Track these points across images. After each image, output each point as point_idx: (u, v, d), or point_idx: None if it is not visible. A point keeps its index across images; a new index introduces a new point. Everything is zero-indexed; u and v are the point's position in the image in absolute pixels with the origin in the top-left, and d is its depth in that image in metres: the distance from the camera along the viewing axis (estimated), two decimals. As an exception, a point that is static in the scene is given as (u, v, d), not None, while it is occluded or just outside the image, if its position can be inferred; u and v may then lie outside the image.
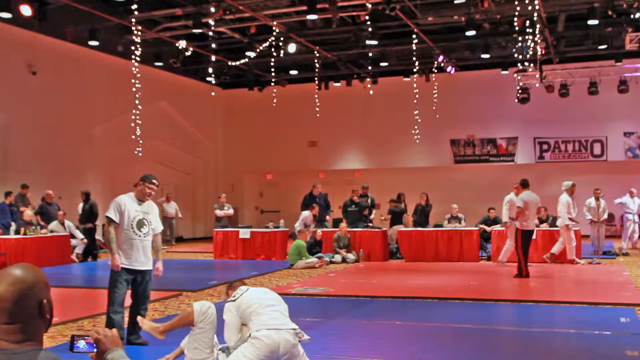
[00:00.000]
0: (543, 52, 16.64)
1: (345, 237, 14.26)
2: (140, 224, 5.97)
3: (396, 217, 15.53)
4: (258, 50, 16.83)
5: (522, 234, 10.73)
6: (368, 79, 20.73)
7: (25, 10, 13.28)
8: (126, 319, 6.12)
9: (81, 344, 2.09)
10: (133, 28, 14.90)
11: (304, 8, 13.90)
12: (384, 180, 21.36)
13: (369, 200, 15.67)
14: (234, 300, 4.73)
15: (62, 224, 14.60)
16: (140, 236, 5.95)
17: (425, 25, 16.33)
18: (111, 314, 5.88)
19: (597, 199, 13.96)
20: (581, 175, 18.86)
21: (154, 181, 6.04)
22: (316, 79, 19.99)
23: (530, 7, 13.91)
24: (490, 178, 21.48)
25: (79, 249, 14.72)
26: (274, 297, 4.81)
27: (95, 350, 2.08)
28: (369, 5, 14.19)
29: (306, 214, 15.15)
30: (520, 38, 16.32)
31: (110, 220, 5.93)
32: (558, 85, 18.48)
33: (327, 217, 15.45)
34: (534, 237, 11.42)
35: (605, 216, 14.18)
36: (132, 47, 15.22)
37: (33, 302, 1.88)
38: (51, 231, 14.30)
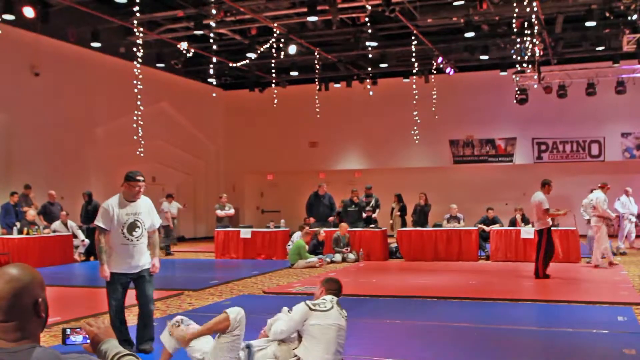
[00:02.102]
0: (541, 53, 16.74)
1: (344, 237, 14.37)
2: (132, 228, 5.60)
3: None
4: (259, 51, 16.94)
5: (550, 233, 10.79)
6: (368, 80, 20.84)
7: (28, 12, 13.43)
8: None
9: (74, 337, 2.10)
10: (135, 30, 15.00)
11: (305, 10, 14.03)
12: (384, 181, 21.48)
13: (373, 201, 15.78)
14: (313, 310, 4.56)
15: (65, 224, 14.73)
16: (132, 241, 5.60)
17: (424, 26, 16.44)
18: (114, 319, 5.68)
19: None
20: (579, 176, 19.02)
21: (139, 177, 5.59)
22: (316, 80, 20.09)
23: (528, 9, 14.01)
24: (489, 178, 21.65)
25: (82, 249, 14.85)
26: (340, 332, 4.64)
27: (88, 342, 2.11)
28: (369, 7, 14.30)
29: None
30: (518, 39, 16.42)
31: (100, 229, 5.58)
32: (556, 86, 18.56)
33: (331, 217, 15.54)
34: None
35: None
36: (134, 49, 15.32)
37: (28, 301, 1.89)
38: (54, 231, 14.42)
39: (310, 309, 4.57)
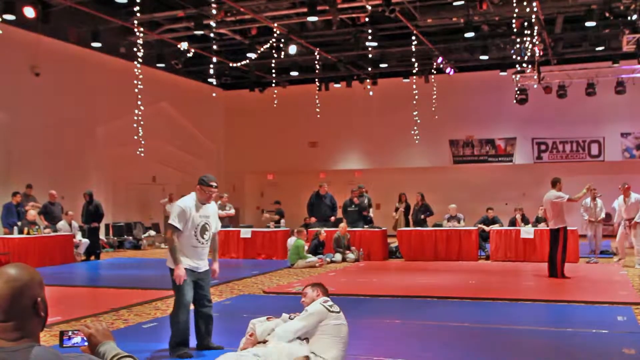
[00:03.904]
0: (541, 53, 16.76)
1: (344, 236, 14.39)
2: (204, 230, 5.69)
3: None
4: (259, 51, 16.97)
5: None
6: (368, 80, 20.86)
7: (29, 12, 13.46)
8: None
9: (72, 339, 2.09)
10: (135, 30, 15.03)
11: (305, 10, 14.05)
12: (384, 181, 21.54)
13: (366, 200, 15.79)
14: (330, 312, 4.64)
15: (70, 223, 14.78)
16: (202, 243, 5.70)
17: (424, 27, 16.45)
18: (181, 315, 5.58)
19: (593, 198, 14.07)
20: (579, 176, 18.98)
21: (212, 183, 5.67)
22: (316, 80, 20.11)
23: (528, 9, 14.05)
24: (489, 178, 21.67)
25: (81, 249, 14.87)
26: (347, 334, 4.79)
27: (86, 344, 2.09)
28: (369, 7, 14.32)
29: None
30: (518, 40, 16.45)
31: (174, 229, 5.56)
32: (556, 86, 18.58)
33: (333, 217, 15.55)
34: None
35: (603, 215, 14.29)
36: (134, 49, 15.34)
37: (27, 300, 1.89)
38: (56, 230, 14.48)
39: (329, 310, 4.67)
